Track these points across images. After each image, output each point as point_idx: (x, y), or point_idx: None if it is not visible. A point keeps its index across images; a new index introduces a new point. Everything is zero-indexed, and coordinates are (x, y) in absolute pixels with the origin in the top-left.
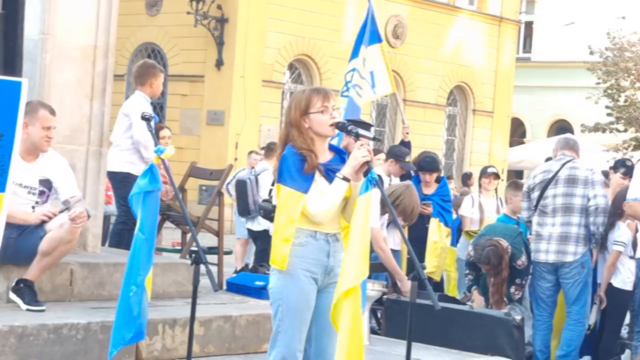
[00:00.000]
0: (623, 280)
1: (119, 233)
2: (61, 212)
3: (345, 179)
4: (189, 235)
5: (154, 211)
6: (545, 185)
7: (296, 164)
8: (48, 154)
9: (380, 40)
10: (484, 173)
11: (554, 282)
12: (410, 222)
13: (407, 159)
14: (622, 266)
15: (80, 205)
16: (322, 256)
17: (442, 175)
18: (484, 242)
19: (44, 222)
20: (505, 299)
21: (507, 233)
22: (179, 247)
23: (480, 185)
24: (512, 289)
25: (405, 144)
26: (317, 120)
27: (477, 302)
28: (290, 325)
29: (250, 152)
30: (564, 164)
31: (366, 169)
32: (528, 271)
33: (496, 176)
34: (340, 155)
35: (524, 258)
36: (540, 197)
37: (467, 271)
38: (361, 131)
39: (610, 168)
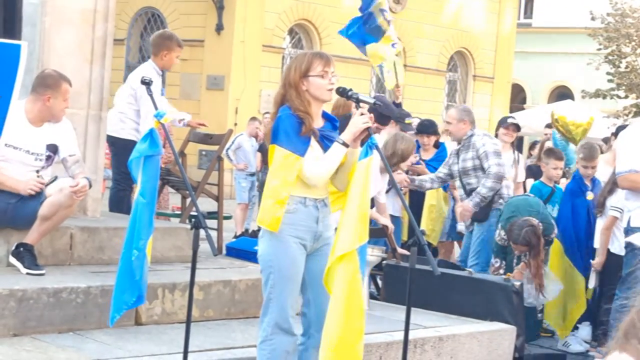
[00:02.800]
0: (620, 246)
1: (119, 198)
2: (50, 182)
3: (344, 144)
4: (188, 200)
5: (155, 175)
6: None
7: (293, 126)
8: None
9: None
10: (502, 123)
11: None
12: (402, 159)
13: (408, 121)
14: (619, 232)
15: (78, 167)
16: (312, 222)
17: (440, 140)
18: (520, 222)
19: (35, 192)
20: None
21: (532, 209)
22: (179, 212)
23: (496, 137)
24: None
25: (397, 106)
26: (316, 83)
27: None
28: (281, 292)
29: (252, 119)
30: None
31: (366, 135)
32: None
33: (516, 127)
34: (332, 122)
35: (555, 231)
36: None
37: (497, 262)
38: (362, 97)
39: (612, 134)
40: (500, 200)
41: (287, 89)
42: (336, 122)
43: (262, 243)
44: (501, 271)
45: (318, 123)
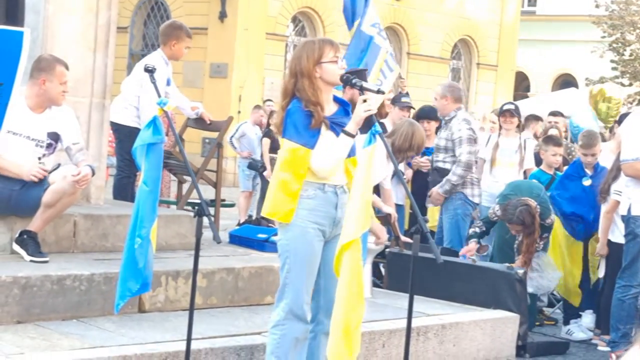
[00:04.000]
0: (621, 234)
1: (123, 186)
2: (53, 169)
3: (349, 134)
4: (185, 187)
5: (158, 163)
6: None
7: (302, 119)
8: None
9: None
10: (499, 111)
11: None
12: (417, 152)
13: (404, 99)
14: (618, 219)
15: (82, 155)
16: (331, 208)
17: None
18: (515, 202)
19: (39, 179)
20: None
21: (532, 192)
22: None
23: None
24: (538, 240)
25: (403, 95)
26: (329, 70)
27: (470, 248)
28: (297, 277)
29: (256, 107)
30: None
31: (370, 122)
32: (552, 227)
33: (512, 113)
34: (345, 107)
35: (552, 216)
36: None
37: (479, 223)
38: (365, 84)
39: (615, 122)
40: (467, 184)
41: (299, 78)
42: (348, 106)
43: (281, 229)
44: (477, 230)
45: (330, 109)
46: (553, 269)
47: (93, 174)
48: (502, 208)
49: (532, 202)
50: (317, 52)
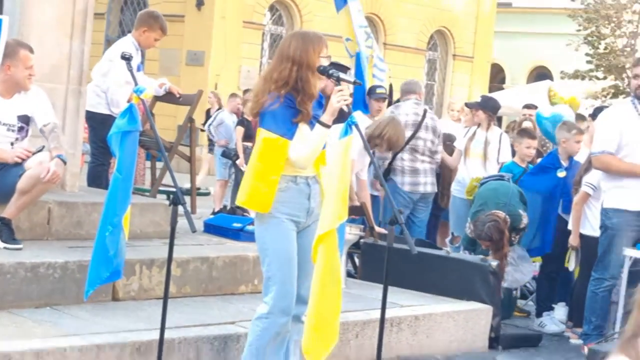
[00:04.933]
0: (591, 226)
1: (97, 173)
2: (37, 151)
3: (325, 125)
4: (158, 171)
5: (132, 151)
6: (417, 127)
7: (283, 112)
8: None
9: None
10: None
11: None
12: (395, 149)
13: (379, 91)
14: (589, 211)
15: (54, 140)
16: (303, 199)
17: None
18: (484, 217)
19: (22, 160)
20: None
21: (499, 201)
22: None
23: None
24: (513, 234)
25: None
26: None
27: None
28: (279, 269)
29: (232, 95)
30: (425, 112)
31: (346, 112)
32: (526, 228)
33: (469, 105)
34: (318, 100)
35: (525, 220)
36: (412, 137)
37: (462, 250)
38: (342, 75)
39: (589, 115)
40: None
41: (303, 68)
42: (321, 98)
43: (256, 223)
44: None
45: None
46: (528, 261)
47: (64, 162)
48: (473, 224)
49: (501, 215)
50: (320, 46)
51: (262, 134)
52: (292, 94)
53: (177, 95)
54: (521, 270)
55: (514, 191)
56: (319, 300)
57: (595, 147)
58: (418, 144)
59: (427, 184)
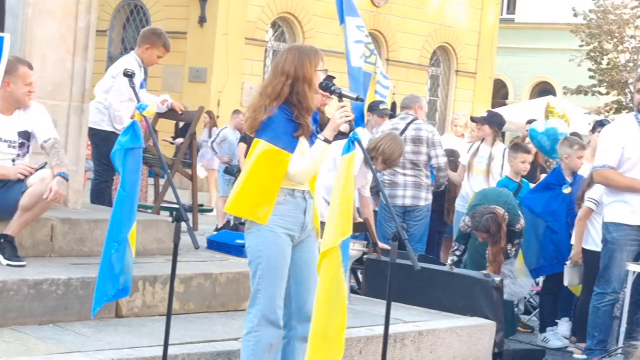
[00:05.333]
0: (594, 242)
1: (101, 191)
2: (40, 168)
3: (326, 141)
4: (161, 187)
5: (136, 169)
6: None
7: (284, 126)
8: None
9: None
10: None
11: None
12: (391, 164)
13: (382, 107)
14: (592, 227)
15: (55, 156)
16: (300, 213)
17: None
18: (483, 210)
19: (25, 177)
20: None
21: (500, 199)
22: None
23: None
24: (509, 246)
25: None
26: (320, 79)
27: None
28: (270, 283)
29: (236, 112)
30: (408, 124)
31: (349, 129)
32: (523, 233)
33: (482, 122)
34: (313, 116)
35: (522, 222)
36: None
37: (456, 245)
38: (345, 91)
39: (590, 131)
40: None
41: (298, 82)
42: (316, 114)
43: (250, 235)
44: (457, 253)
45: None
46: (525, 275)
47: (67, 180)
48: (471, 217)
49: (500, 210)
50: (317, 60)
51: (262, 145)
52: (289, 107)
53: (180, 112)
54: (519, 283)
55: (513, 197)
56: (322, 316)
57: (597, 161)
58: None
59: (407, 197)
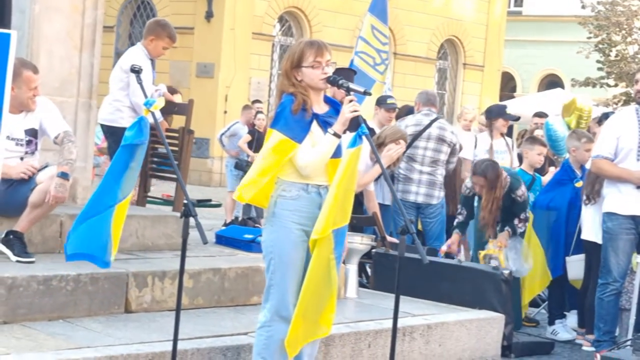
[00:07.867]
0: (593, 233)
1: None
2: (43, 168)
3: (335, 134)
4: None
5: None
6: (415, 136)
7: (298, 115)
8: None
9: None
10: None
11: (415, 220)
12: (393, 165)
13: (389, 101)
14: (591, 218)
15: (62, 153)
16: (315, 208)
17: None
18: (484, 159)
19: (29, 176)
20: (509, 229)
21: (506, 169)
22: (168, 199)
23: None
24: (516, 222)
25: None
26: (309, 74)
27: (452, 241)
28: (282, 278)
29: (246, 107)
30: (432, 121)
31: (357, 123)
32: (527, 204)
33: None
34: (335, 107)
35: (523, 188)
36: (409, 145)
37: (460, 209)
38: (352, 85)
39: (595, 122)
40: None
41: (282, 78)
42: (338, 105)
43: (266, 229)
44: (460, 217)
45: (321, 109)
46: (527, 258)
47: (67, 179)
48: (471, 168)
49: (502, 170)
50: (296, 56)
51: (274, 135)
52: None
53: (170, 98)
54: (519, 262)
55: (517, 173)
56: (305, 298)
57: (593, 151)
58: (416, 153)
59: (419, 194)
